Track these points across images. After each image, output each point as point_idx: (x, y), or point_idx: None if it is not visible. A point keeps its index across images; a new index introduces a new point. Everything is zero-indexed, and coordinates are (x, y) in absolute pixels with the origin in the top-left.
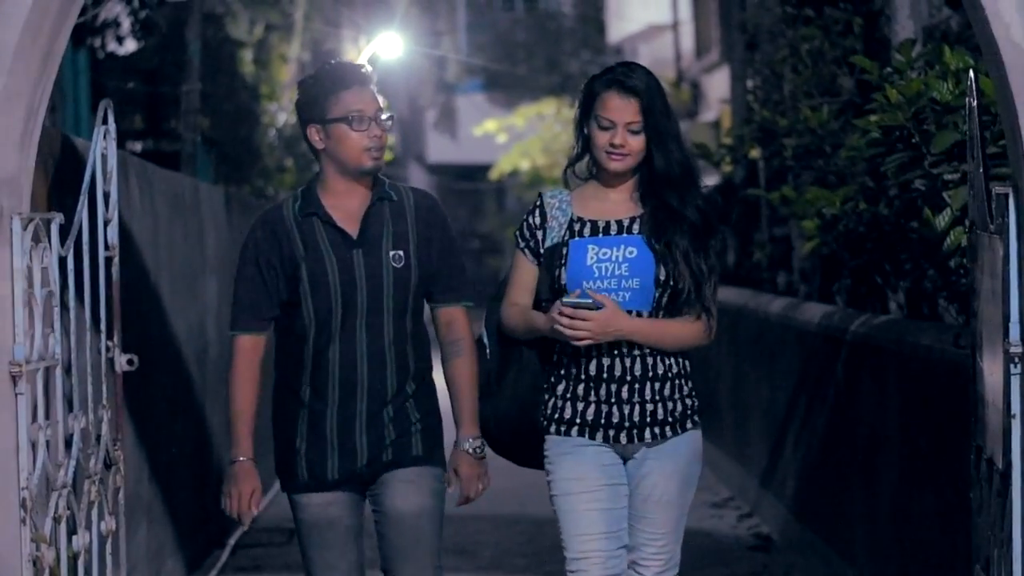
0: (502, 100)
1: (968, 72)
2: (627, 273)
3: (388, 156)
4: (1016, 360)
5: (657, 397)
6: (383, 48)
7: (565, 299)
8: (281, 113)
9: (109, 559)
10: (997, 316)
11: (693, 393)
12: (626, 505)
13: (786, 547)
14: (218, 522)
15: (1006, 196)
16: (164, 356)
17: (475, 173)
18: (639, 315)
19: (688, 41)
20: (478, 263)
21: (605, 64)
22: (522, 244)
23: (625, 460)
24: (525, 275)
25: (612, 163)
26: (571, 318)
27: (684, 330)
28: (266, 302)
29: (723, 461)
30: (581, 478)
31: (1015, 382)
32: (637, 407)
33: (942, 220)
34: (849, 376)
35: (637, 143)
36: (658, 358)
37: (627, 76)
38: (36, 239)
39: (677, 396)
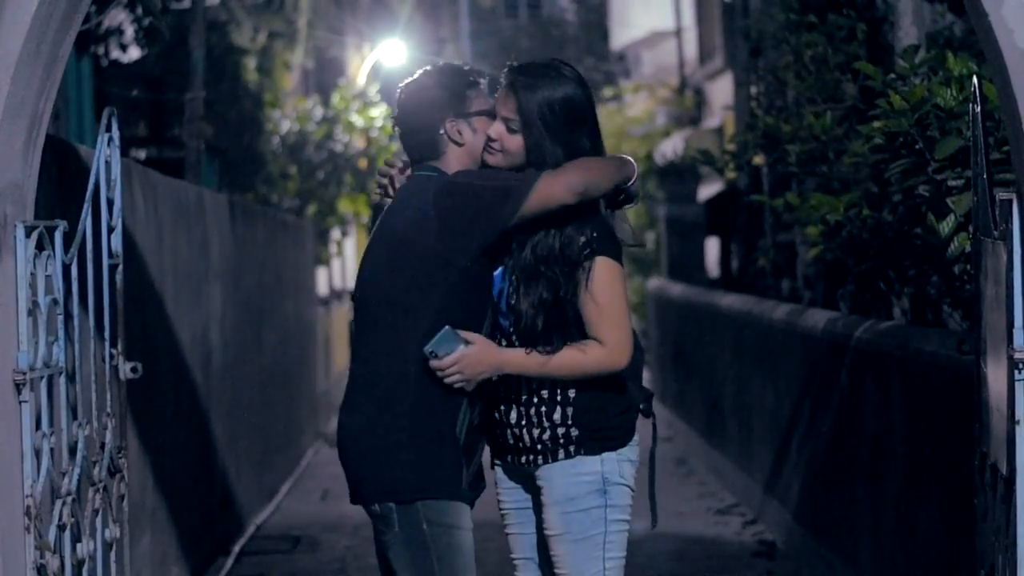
0: None
1: (971, 78)
2: (498, 297)
3: None
4: (1020, 366)
5: (523, 422)
6: (386, 55)
7: (425, 348)
8: (284, 120)
9: (113, 567)
10: (1001, 322)
11: (573, 421)
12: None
13: (790, 553)
14: (222, 529)
15: (1010, 202)
16: (168, 364)
17: None
18: (508, 340)
19: (691, 47)
20: None
21: (609, 71)
22: None
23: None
24: None
25: (487, 157)
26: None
27: (575, 359)
28: None
29: (727, 467)
30: (499, 499)
31: (1019, 388)
32: (508, 430)
33: (946, 226)
34: (853, 382)
35: (513, 143)
36: (523, 381)
37: (518, 70)
38: (40, 247)
39: (547, 423)
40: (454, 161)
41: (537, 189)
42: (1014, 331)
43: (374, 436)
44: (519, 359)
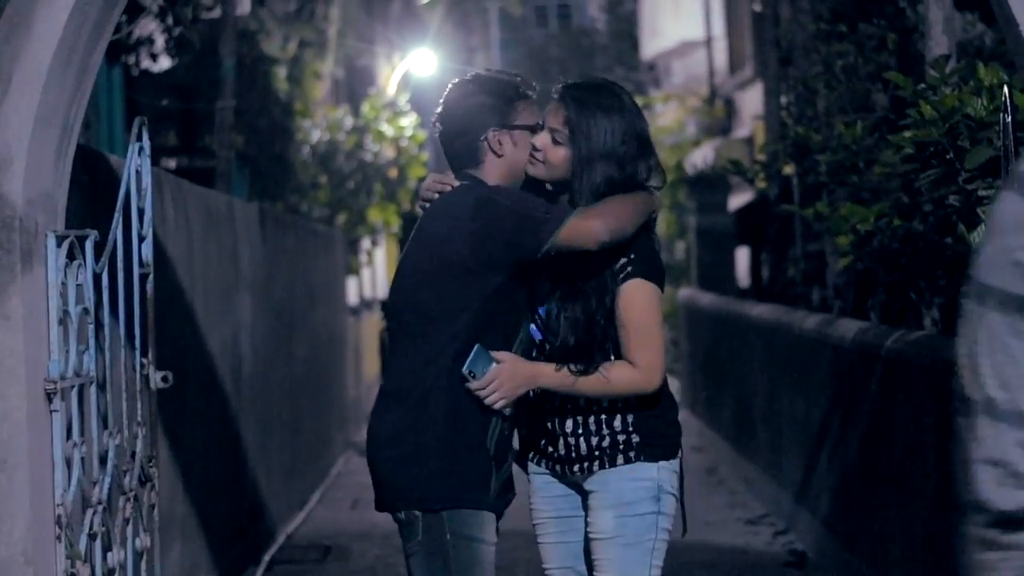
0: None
1: (1002, 88)
2: (539, 311)
3: (422, 171)
4: None
5: (580, 431)
6: (417, 64)
7: (463, 369)
8: (315, 130)
9: None
10: None
11: (633, 428)
12: (582, 539)
13: (821, 564)
14: (253, 538)
15: None
16: (198, 373)
17: None
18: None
19: (721, 57)
20: None
21: (639, 81)
22: None
23: (585, 493)
24: None
25: (528, 167)
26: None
27: (604, 378)
28: None
29: (758, 477)
30: (535, 508)
31: None
32: (561, 440)
33: (976, 236)
34: (884, 392)
35: (557, 155)
36: None
37: (572, 85)
38: (71, 256)
39: (607, 431)
40: (492, 171)
41: (567, 227)
42: None
43: (404, 444)
44: (552, 374)
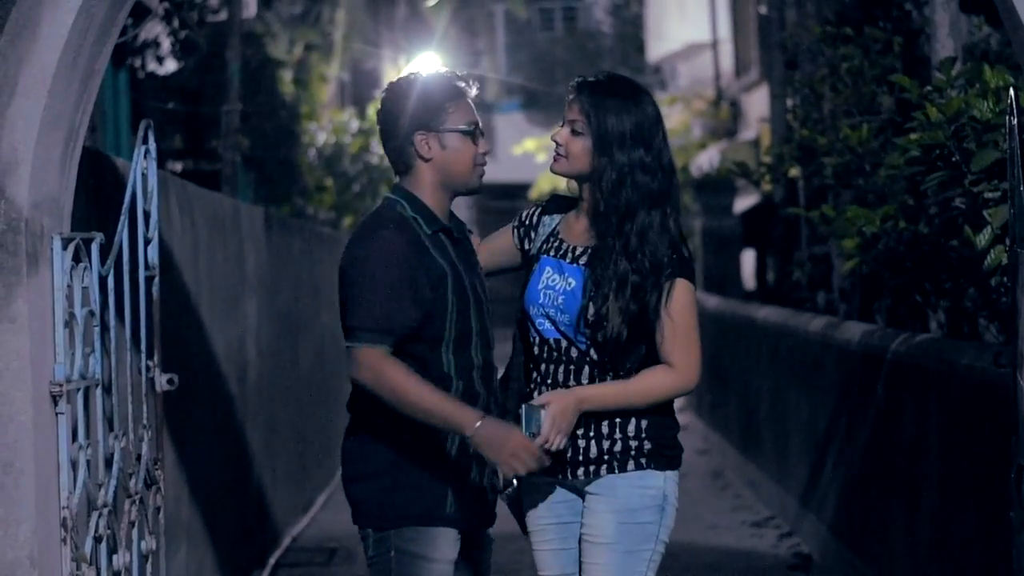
0: (541, 119)
1: (1008, 90)
2: (562, 305)
3: None
4: None
5: (591, 434)
6: (422, 68)
7: (526, 437)
8: (321, 133)
9: None
10: None
11: (647, 434)
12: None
13: (826, 567)
14: (258, 541)
15: None
16: (204, 376)
17: (514, 192)
18: (580, 352)
19: (727, 60)
20: (519, 282)
21: (644, 83)
22: (516, 223)
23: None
24: (501, 238)
25: (552, 164)
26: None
27: (649, 383)
28: (408, 312)
29: (763, 480)
30: (533, 516)
31: None
32: (569, 443)
33: (983, 238)
34: (889, 395)
35: (577, 146)
36: None
37: (583, 78)
38: (77, 259)
39: (619, 435)
40: (422, 177)
41: (356, 351)
42: None
43: (356, 463)
44: (595, 395)
